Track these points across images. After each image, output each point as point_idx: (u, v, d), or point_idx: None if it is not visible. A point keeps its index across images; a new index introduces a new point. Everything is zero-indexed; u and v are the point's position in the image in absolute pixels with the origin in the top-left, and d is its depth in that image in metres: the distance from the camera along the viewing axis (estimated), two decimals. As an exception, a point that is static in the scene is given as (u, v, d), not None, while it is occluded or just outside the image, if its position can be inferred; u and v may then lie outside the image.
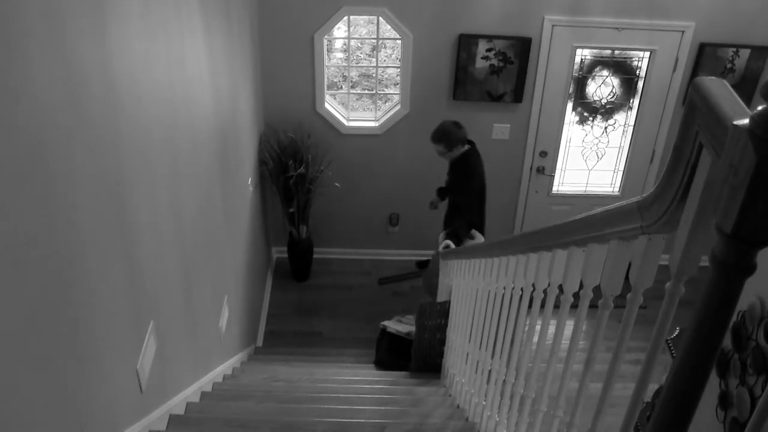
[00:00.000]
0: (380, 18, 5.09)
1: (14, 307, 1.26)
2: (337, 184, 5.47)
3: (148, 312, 2.17)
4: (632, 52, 5.33)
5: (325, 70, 5.27)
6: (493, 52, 5.07)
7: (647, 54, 5.30)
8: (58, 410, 1.48)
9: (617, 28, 5.11)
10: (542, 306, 2.10)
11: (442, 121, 4.44)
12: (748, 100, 5.18)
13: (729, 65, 5.19)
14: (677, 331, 3.32)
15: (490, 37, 5.02)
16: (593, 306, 1.50)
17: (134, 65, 1.99)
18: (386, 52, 5.91)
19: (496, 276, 2.63)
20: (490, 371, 2.69)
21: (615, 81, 5.44)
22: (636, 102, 5.51)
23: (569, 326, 1.77)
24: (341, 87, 5.82)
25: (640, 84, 5.43)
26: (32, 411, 1.35)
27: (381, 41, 5.51)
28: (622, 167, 5.80)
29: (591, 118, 5.60)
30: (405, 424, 2.88)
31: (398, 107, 5.40)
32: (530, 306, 2.22)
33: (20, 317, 1.28)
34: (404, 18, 4.99)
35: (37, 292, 1.35)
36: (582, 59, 5.32)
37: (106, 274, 1.77)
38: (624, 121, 5.62)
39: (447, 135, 4.34)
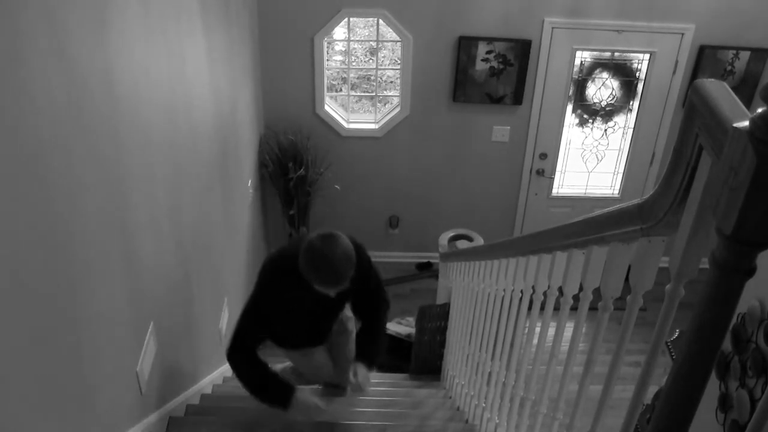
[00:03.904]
0: (380, 20, 5.09)
1: (14, 309, 1.25)
2: (337, 186, 5.47)
3: (148, 314, 2.17)
4: (632, 54, 5.33)
5: (325, 72, 5.27)
6: (493, 54, 5.07)
7: (647, 56, 5.30)
8: (59, 412, 1.48)
9: (617, 31, 5.11)
10: (542, 308, 2.10)
11: (323, 249, 2.24)
12: (748, 103, 5.18)
13: (729, 67, 5.19)
14: (677, 333, 3.32)
15: (490, 39, 5.02)
16: (593, 308, 1.50)
17: (134, 67, 1.99)
18: (384, 53, 5.92)
19: (496, 278, 2.63)
20: (489, 373, 2.69)
21: (615, 83, 5.44)
22: (636, 104, 5.51)
23: (569, 328, 1.77)
24: (340, 89, 5.82)
25: (640, 86, 5.43)
26: (33, 413, 1.35)
27: (380, 43, 5.51)
28: (621, 169, 5.80)
29: (591, 121, 5.60)
30: (405, 426, 2.88)
31: (398, 109, 5.40)
32: (530, 308, 2.22)
33: (20, 319, 1.28)
34: (404, 20, 4.99)
35: (36, 294, 1.35)
36: (582, 61, 5.32)
37: (106, 276, 1.77)
38: (624, 123, 5.61)
39: (351, 257, 2.29)
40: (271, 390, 2.53)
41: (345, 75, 5.68)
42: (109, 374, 1.83)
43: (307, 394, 2.55)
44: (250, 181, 4.62)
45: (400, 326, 4.59)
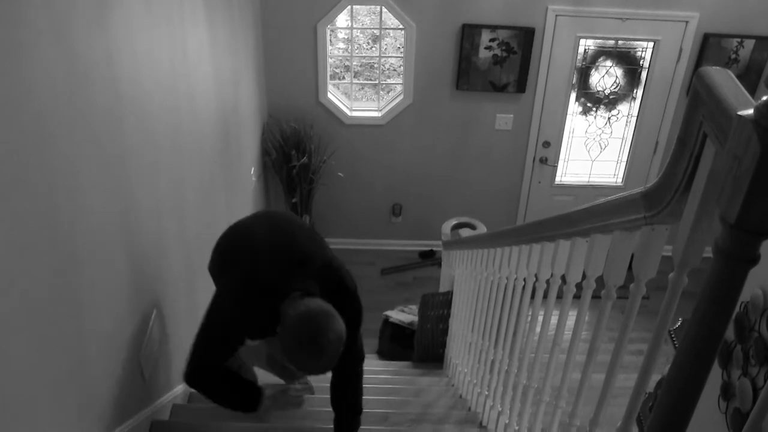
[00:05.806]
0: (383, 8, 5.07)
1: (18, 297, 1.26)
2: (340, 174, 5.47)
3: (151, 301, 2.17)
4: (636, 42, 5.30)
5: (328, 60, 5.26)
6: (496, 42, 5.05)
7: (651, 44, 5.27)
8: (62, 400, 1.49)
9: (621, 18, 5.08)
10: (545, 296, 2.10)
11: (317, 338, 1.82)
12: (753, 91, 5.16)
13: (733, 56, 5.16)
14: (680, 321, 3.32)
15: (493, 27, 5.00)
16: (596, 297, 1.50)
17: (137, 56, 1.98)
18: (387, 41, 5.89)
19: (499, 266, 2.63)
20: (492, 361, 2.70)
21: (618, 71, 5.42)
22: (639, 92, 5.49)
23: (572, 317, 1.77)
24: (343, 77, 5.81)
25: (644, 74, 5.40)
26: (34, 402, 1.35)
27: (383, 31, 5.48)
28: (625, 158, 5.78)
29: (594, 109, 5.58)
30: (408, 413, 2.89)
31: (401, 97, 5.39)
32: (533, 296, 2.22)
33: (23, 307, 1.29)
34: (407, 8, 4.97)
35: (40, 282, 1.36)
36: (585, 49, 5.30)
37: (110, 264, 1.78)
38: (627, 111, 5.59)
39: (340, 346, 1.92)
40: (241, 394, 2.10)
41: (348, 63, 5.66)
42: (112, 362, 1.83)
43: (274, 390, 2.18)
44: (253, 169, 4.62)
45: (402, 314, 4.61)
